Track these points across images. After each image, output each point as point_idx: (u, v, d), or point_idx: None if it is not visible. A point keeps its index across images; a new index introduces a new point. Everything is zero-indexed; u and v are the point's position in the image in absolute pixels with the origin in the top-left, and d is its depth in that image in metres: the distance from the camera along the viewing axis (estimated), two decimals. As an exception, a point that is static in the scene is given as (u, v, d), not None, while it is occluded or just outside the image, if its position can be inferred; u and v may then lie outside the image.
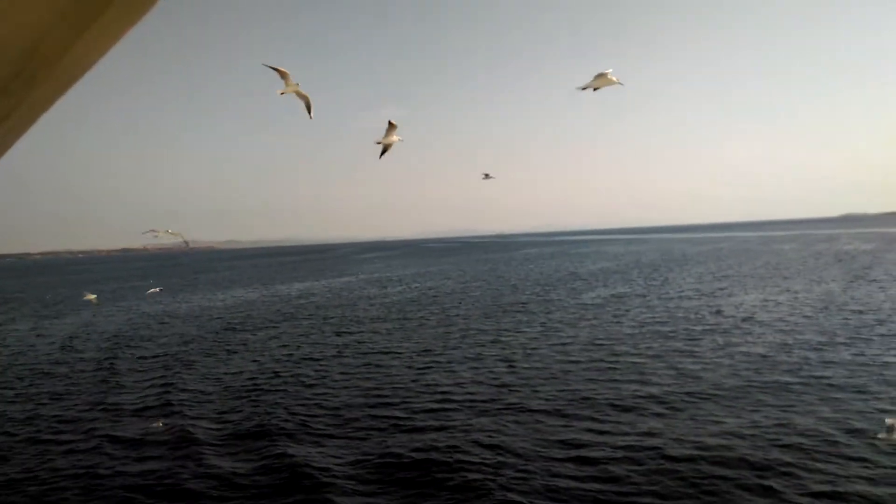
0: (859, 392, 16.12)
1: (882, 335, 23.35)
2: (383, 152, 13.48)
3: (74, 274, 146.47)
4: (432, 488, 11.75)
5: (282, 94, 13.66)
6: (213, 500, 11.79)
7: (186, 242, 18.92)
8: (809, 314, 29.47)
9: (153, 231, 16.99)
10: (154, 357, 27.11)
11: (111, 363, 25.96)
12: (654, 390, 17.23)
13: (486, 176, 19.16)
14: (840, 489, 10.78)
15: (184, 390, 20.38)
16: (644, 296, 40.23)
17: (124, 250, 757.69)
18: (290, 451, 14.01)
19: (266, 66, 12.83)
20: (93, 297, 31.24)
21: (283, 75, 13.17)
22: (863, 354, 20.34)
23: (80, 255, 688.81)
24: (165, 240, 17.59)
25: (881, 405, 14.97)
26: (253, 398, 18.97)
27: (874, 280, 42.41)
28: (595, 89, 15.53)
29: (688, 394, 16.67)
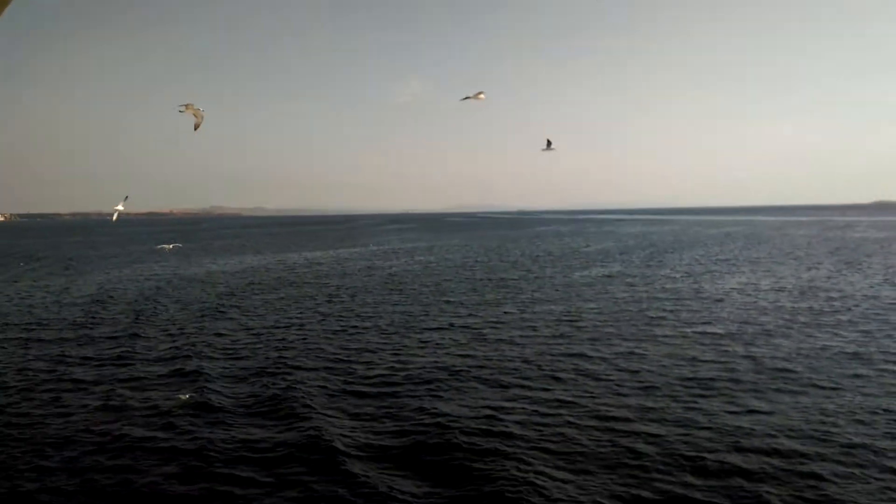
0: (793, 379, 17.54)
1: (838, 322, 24.54)
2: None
3: (101, 235, 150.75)
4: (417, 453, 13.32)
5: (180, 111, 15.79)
6: (227, 467, 12.00)
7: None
8: (780, 298, 30.61)
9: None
10: (151, 324, 29.24)
11: (124, 328, 28.12)
12: (599, 367, 18.71)
13: (549, 145, 20.06)
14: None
15: (168, 354, 22.46)
16: (632, 275, 41.53)
17: (150, 214, 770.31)
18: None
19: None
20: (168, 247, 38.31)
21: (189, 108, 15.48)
22: (811, 338, 21.66)
23: (107, 217, 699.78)
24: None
25: (793, 389, 16.45)
26: (230, 363, 20.96)
27: (862, 268, 43.15)
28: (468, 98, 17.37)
29: (633, 372, 18.12)
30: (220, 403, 15.51)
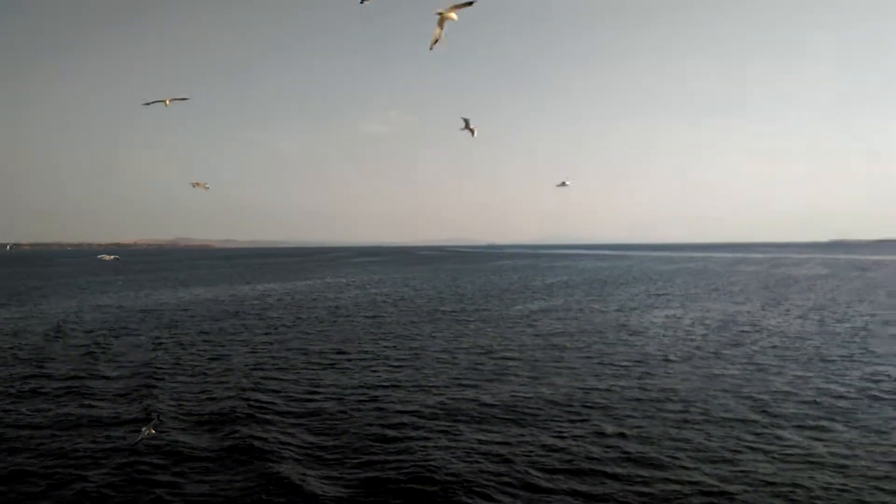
0: (672, 406, 18.60)
1: (734, 354, 25.84)
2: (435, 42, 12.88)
3: (56, 266, 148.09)
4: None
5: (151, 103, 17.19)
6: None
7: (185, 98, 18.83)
8: (696, 330, 31.99)
9: (158, 101, 17.91)
10: (94, 358, 29.32)
11: (68, 363, 28.17)
12: (503, 398, 19.64)
13: (563, 184, 20.84)
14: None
15: (111, 378, 22.73)
16: (565, 309, 42.68)
17: (115, 245, 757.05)
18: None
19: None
20: (108, 257, 36.20)
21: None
22: (701, 368, 22.85)
23: (69, 248, 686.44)
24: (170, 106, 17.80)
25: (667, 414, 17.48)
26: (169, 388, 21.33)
27: (785, 303, 45.04)
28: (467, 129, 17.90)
29: (541, 398, 19.05)
30: (176, 439, 15.20)
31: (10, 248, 21.65)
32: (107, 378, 22.21)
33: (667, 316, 38.54)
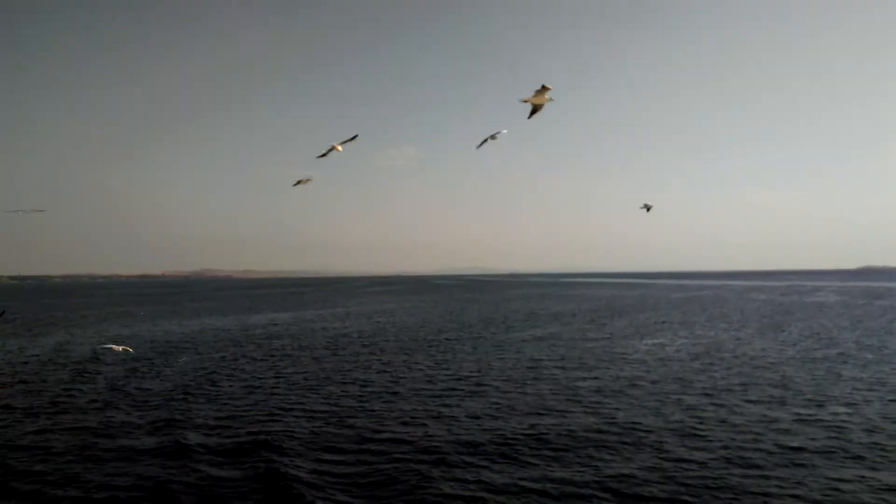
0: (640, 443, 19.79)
1: (714, 381, 26.86)
2: (533, 112, 14.62)
3: (80, 297, 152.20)
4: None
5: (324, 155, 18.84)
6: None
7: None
8: (679, 357, 32.96)
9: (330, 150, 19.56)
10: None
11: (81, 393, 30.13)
12: (492, 426, 20.99)
13: (647, 207, 21.82)
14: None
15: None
16: (561, 337, 43.76)
17: (142, 276, 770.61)
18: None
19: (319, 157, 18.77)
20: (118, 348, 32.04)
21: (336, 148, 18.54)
22: (678, 393, 23.95)
23: (100, 280, 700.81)
24: None
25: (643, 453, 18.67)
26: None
27: (779, 332, 45.64)
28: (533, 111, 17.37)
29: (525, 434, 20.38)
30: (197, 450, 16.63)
31: (21, 212, 22.42)
32: (134, 402, 23.68)
33: (655, 343, 39.47)
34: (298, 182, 20.96)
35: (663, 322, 54.95)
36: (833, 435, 17.46)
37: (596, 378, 27.12)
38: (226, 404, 22.95)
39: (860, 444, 16.61)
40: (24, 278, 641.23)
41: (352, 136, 18.67)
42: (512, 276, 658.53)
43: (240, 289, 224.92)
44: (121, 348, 32.12)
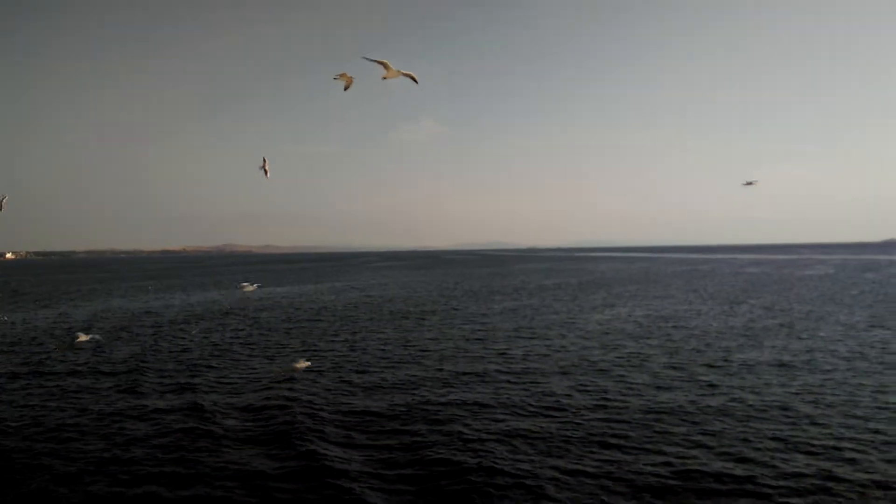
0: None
1: (648, 350, 29.12)
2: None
3: (102, 272, 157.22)
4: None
5: (384, 78, 17.58)
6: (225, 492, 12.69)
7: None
8: (620, 329, 35.17)
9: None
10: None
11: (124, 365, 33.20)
12: (452, 393, 23.55)
13: (749, 183, 22.78)
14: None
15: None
16: (529, 308, 46.11)
17: (164, 251, 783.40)
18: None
19: (367, 59, 17.22)
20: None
21: (385, 66, 17.37)
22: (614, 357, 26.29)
23: (122, 255, 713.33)
24: None
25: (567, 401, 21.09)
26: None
27: (741, 305, 47.54)
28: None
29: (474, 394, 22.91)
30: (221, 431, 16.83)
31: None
32: (157, 372, 25.14)
33: (608, 315, 41.46)
34: (341, 75, 19.82)
35: (636, 295, 56.95)
36: (728, 401, 19.71)
37: (528, 348, 29.46)
38: (227, 372, 25.75)
39: (746, 407, 18.86)
40: (49, 254, 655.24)
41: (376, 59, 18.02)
42: (530, 250, 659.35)
43: (254, 263, 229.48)
44: (87, 337, 32.30)
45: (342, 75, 18.93)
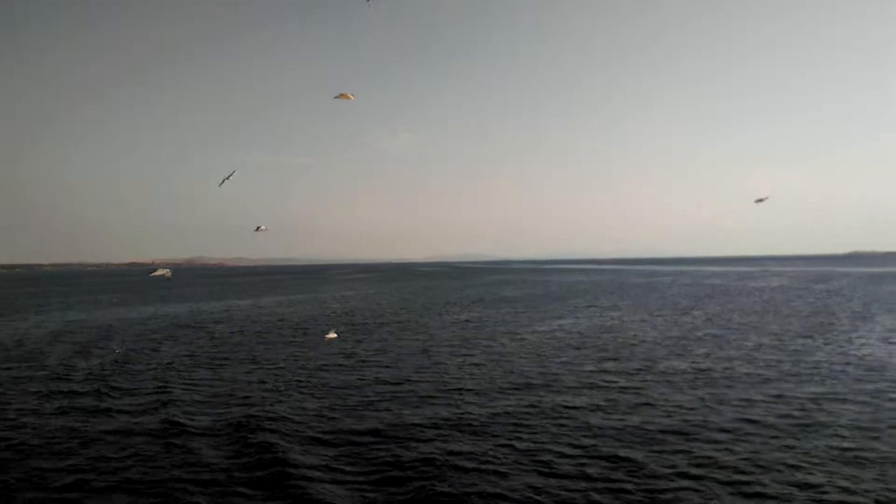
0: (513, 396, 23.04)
1: (583, 356, 30.16)
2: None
3: (63, 286, 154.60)
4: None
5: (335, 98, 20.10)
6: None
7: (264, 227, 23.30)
8: (565, 338, 36.23)
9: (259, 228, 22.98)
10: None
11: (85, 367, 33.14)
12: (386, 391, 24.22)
13: (761, 200, 23.45)
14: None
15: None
16: (477, 320, 47.07)
17: (132, 264, 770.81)
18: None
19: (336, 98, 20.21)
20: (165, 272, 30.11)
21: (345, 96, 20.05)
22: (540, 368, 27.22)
23: (89, 268, 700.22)
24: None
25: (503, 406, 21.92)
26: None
27: (685, 316, 49.07)
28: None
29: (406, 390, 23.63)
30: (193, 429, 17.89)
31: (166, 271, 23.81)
32: (123, 389, 24.74)
33: (546, 327, 42.55)
34: (258, 228, 22.90)
35: (586, 306, 58.33)
36: (640, 404, 20.77)
37: (464, 358, 30.34)
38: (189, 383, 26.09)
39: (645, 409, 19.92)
40: (13, 267, 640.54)
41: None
42: (503, 262, 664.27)
43: (221, 276, 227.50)
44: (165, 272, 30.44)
45: (343, 95, 20.10)
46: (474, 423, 18.03)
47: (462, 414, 19.03)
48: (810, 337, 34.63)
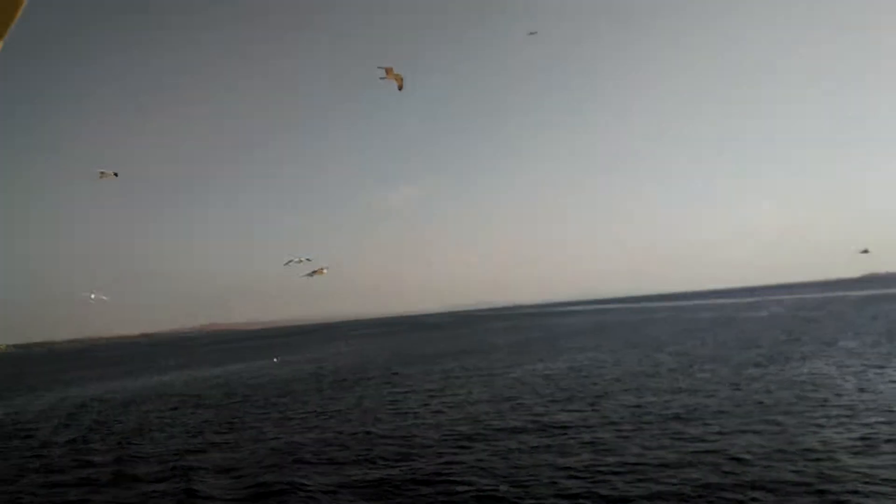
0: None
1: (549, 400, 31.83)
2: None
3: (67, 361, 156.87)
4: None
5: (381, 78, 18.38)
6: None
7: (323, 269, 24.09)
8: (547, 379, 37.83)
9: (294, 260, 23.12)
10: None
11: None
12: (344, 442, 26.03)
13: (865, 251, 24.24)
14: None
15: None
16: (467, 367, 48.68)
17: (143, 335, 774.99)
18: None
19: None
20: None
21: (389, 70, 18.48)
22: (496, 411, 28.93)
23: (102, 342, 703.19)
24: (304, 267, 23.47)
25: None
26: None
27: (669, 351, 50.53)
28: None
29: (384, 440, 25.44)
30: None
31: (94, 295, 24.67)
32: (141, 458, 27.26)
33: (535, 369, 44.14)
34: (314, 273, 22.85)
35: (571, 348, 59.78)
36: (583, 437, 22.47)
37: (434, 406, 32.04)
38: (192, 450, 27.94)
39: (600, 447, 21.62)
40: (30, 346, 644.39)
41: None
42: (511, 308, 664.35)
43: (225, 342, 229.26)
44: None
45: (389, 71, 18.29)
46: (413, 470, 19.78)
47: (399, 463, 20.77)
48: (762, 366, 36.15)
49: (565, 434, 22.56)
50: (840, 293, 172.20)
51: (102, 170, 21.62)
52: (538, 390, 33.58)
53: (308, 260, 24.00)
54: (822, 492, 14.63)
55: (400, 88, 18.58)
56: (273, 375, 58.22)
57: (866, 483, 14.95)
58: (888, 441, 18.34)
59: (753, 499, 14.51)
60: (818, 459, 17.04)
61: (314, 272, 22.89)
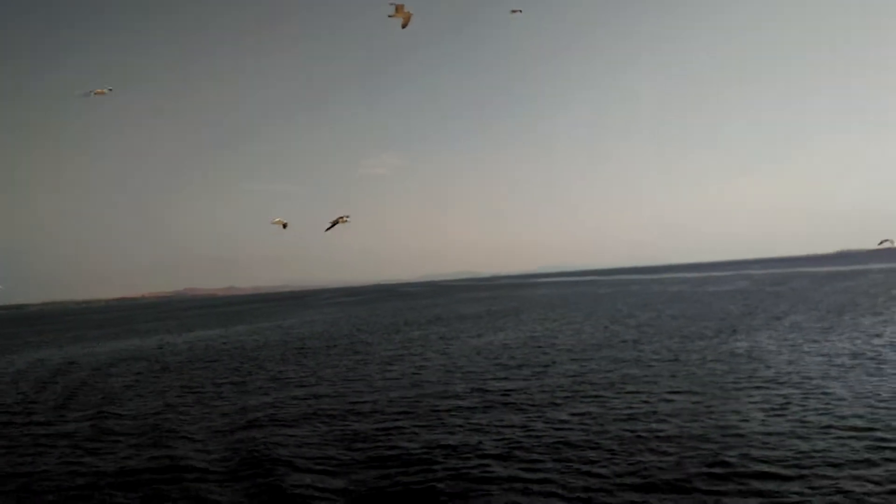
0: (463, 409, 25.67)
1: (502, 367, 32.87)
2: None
3: (39, 325, 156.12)
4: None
5: (390, 16, 17.88)
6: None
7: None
8: (506, 348, 38.92)
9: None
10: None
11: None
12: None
13: (884, 241, 26.36)
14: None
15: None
16: (428, 336, 49.70)
17: (121, 298, 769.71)
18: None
19: None
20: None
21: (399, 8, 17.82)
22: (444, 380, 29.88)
23: (82, 305, 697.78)
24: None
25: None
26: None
27: (627, 323, 51.90)
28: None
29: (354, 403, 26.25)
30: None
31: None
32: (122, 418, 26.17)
33: (495, 339, 45.27)
34: (335, 222, 21.53)
35: (535, 319, 61.14)
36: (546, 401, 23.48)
37: (391, 374, 33.01)
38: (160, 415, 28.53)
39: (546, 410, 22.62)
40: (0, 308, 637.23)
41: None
42: (491, 278, 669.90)
43: (209, 307, 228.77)
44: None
45: (399, 9, 17.93)
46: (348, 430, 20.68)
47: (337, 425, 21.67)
48: (707, 338, 37.52)
49: (505, 400, 23.57)
50: (809, 269, 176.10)
51: (98, 90, 21.60)
52: (490, 359, 34.66)
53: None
54: (717, 454, 15.68)
55: (404, 27, 18.28)
56: (239, 342, 58.84)
57: (764, 448, 16.01)
58: (799, 408, 19.54)
59: (653, 461, 15.55)
60: (726, 426, 18.15)
61: (336, 221, 21.94)
